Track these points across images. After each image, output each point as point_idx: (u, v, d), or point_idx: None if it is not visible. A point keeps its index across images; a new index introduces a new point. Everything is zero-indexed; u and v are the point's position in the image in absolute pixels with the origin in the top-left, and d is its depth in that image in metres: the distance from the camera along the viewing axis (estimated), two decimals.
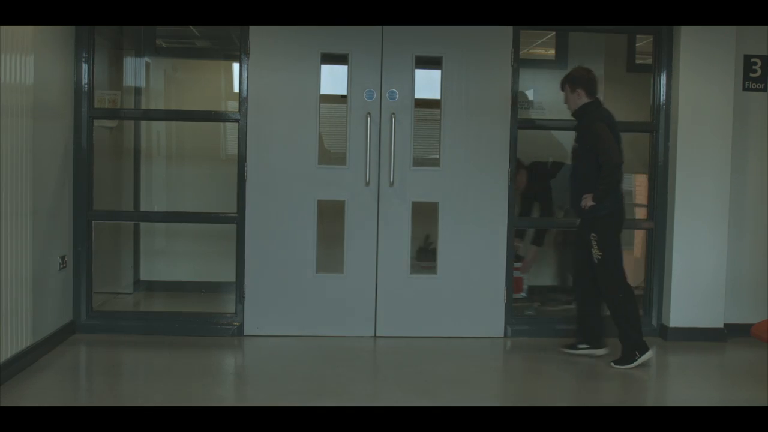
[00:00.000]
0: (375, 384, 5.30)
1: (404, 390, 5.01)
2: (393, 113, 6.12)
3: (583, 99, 5.64)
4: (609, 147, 5.43)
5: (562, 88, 5.73)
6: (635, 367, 5.53)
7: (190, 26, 7.94)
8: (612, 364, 5.57)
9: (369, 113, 6.18)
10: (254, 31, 6.13)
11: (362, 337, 6.26)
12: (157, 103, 8.28)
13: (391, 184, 6.17)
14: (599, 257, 5.56)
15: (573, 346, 5.86)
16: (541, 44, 8.15)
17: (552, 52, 8.16)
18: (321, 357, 5.73)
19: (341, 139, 6.50)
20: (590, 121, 5.57)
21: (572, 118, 5.76)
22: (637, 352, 5.55)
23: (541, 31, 7.72)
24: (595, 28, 6.72)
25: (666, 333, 6.43)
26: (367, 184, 6.19)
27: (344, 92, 6.30)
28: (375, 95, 6.21)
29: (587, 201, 5.52)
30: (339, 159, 6.60)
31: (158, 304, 7.77)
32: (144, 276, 8.07)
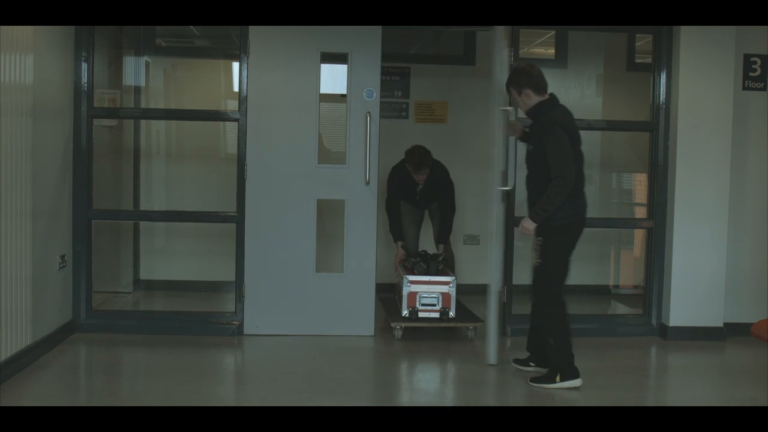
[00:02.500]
0: (374, 383, 5.30)
1: (403, 389, 5.02)
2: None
3: (533, 99, 5.09)
4: (563, 161, 4.93)
5: (508, 93, 5.22)
6: (555, 389, 5.04)
7: (190, 26, 7.94)
8: (529, 380, 5.16)
9: (369, 112, 6.17)
10: (254, 30, 6.13)
11: (362, 336, 6.26)
12: (157, 103, 8.27)
13: None
14: (538, 263, 5.13)
15: (525, 363, 5.44)
16: (541, 43, 8.16)
17: (552, 51, 8.17)
18: (320, 356, 5.73)
19: (341, 138, 6.50)
20: (546, 124, 5.02)
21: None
22: (558, 376, 5.07)
23: (540, 30, 7.73)
24: (594, 28, 6.72)
25: (666, 332, 6.44)
26: (367, 183, 6.19)
27: (344, 91, 6.30)
28: (375, 94, 6.21)
29: (526, 226, 5.06)
30: (339, 158, 6.60)
31: (158, 303, 7.77)
32: (143, 275, 8.07)
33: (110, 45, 7.46)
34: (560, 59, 8.08)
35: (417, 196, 6.92)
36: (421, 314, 6.24)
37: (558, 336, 5.10)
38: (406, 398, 4.84)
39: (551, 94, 5.14)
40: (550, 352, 5.13)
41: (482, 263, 8.00)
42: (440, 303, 6.26)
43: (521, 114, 5.43)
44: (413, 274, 6.35)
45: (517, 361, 5.47)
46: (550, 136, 4.96)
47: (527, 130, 5.37)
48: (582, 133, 5.19)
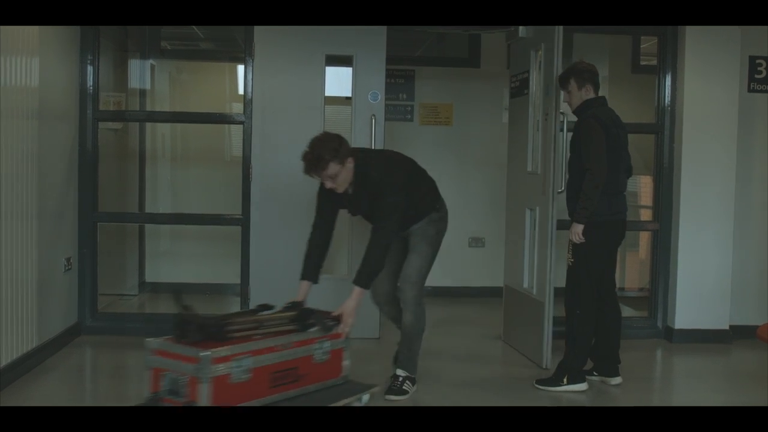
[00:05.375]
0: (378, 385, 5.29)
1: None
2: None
3: (590, 94, 5.11)
4: (592, 154, 4.88)
5: (565, 84, 5.18)
6: (560, 392, 5.00)
7: (195, 28, 7.96)
8: (535, 382, 5.12)
9: (374, 115, 6.17)
10: (259, 33, 6.13)
11: (367, 339, 6.25)
12: (162, 105, 8.30)
13: None
14: (570, 263, 5.05)
15: (588, 372, 5.21)
16: None
17: None
18: None
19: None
20: (585, 118, 5.02)
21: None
22: (566, 378, 5.02)
23: None
24: (599, 29, 6.71)
25: (671, 335, 6.42)
26: None
27: (349, 94, 6.31)
28: (379, 97, 6.21)
29: (575, 231, 4.93)
30: None
31: (163, 305, 7.74)
32: (149, 278, 8.08)
33: (115, 48, 7.48)
34: (565, 62, 8.03)
35: (352, 211, 4.93)
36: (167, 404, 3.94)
37: (580, 340, 5.04)
38: (409, 399, 4.83)
39: (603, 96, 5.17)
40: (569, 353, 5.06)
41: (488, 266, 8.02)
42: (186, 392, 3.86)
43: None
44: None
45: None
46: (584, 128, 4.97)
47: None
48: None
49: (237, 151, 7.42)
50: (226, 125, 8.10)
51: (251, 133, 6.18)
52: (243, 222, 6.24)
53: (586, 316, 5.03)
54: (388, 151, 5.18)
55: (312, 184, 6.17)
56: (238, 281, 6.32)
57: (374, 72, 6.21)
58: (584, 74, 5.11)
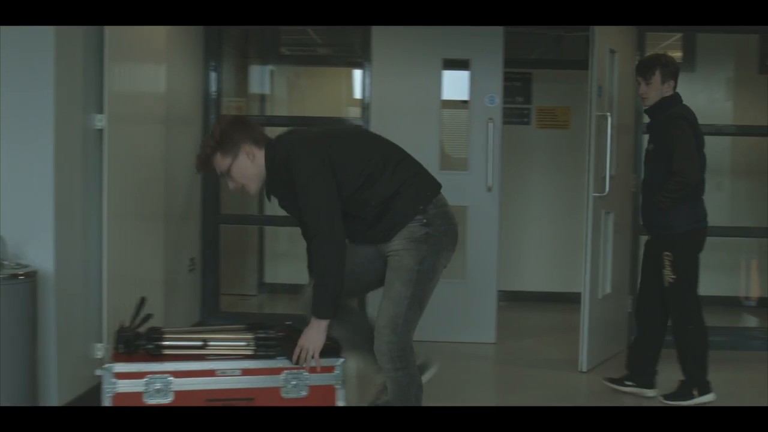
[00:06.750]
0: (492, 388, 5.26)
1: (516, 392, 4.96)
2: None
3: (669, 92, 4.84)
4: (686, 157, 4.65)
5: (648, 76, 4.85)
6: (692, 405, 4.77)
7: (312, 34, 8.10)
8: (662, 398, 4.88)
9: (491, 118, 6.15)
10: (376, 38, 6.19)
11: (483, 343, 6.21)
12: (281, 110, 8.47)
13: None
14: (672, 280, 4.79)
15: (619, 381, 5.06)
16: (667, 46, 7.94)
17: (679, 54, 7.95)
18: (441, 362, 5.70)
19: (462, 144, 6.49)
20: (672, 117, 4.76)
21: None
22: (695, 391, 4.80)
23: (667, 33, 7.53)
24: (724, 29, 6.48)
25: None
26: (489, 189, 6.15)
27: (465, 97, 6.31)
28: (497, 100, 6.18)
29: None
30: (460, 164, 6.59)
31: (281, 305, 7.92)
32: (268, 278, 8.25)
33: (237, 54, 7.69)
34: (688, 63, 7.84)
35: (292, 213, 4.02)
36: None
37: (697, 352, 4.84)
38: (516, 400, 4.79)
39: (678, 93, 4.93)
40: (689, 368, 4.85)
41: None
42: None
43: None
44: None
45: (610, 380, 5.13)
46: (676, 129, 4.72)
47: None
48: (709, 138, 4.99)
49: None
50: None
51: None
52: None
53: (696, 328, 4.83)
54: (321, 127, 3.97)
55: None
56: None
57: (491, 75, 6.20)
58: (670, 67, 4.86)
